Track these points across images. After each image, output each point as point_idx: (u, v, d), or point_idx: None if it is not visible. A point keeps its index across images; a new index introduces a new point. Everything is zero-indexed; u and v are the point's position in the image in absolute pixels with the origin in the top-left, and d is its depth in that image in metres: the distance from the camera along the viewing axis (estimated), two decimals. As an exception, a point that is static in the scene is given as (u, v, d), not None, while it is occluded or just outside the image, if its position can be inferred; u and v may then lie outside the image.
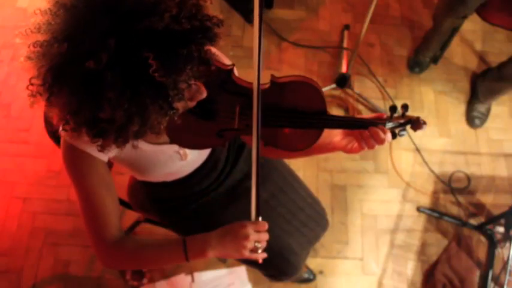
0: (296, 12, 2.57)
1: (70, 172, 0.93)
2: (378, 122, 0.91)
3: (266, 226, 0.93)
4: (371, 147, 0.91)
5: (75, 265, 1.91)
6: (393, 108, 0.91)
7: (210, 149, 1.19)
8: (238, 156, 1.31)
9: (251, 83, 0.82)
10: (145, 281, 1.85)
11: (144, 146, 0.96)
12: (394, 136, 0.93)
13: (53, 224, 1.98)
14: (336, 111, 2.29)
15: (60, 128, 0.89)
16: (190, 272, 1.88)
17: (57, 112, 0.69)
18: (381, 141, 0.90)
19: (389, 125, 0.92)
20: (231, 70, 0.85)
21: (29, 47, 0.66)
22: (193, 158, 1.11)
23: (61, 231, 1.97)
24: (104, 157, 0.91)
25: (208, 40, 0.68)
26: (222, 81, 0.85)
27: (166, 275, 1.86)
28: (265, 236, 0.94)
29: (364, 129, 0.91)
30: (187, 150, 1.05)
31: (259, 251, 0.94)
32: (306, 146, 0.94)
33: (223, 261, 1.92)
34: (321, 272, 1.93)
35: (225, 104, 0.86)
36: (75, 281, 1.89)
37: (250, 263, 1.39)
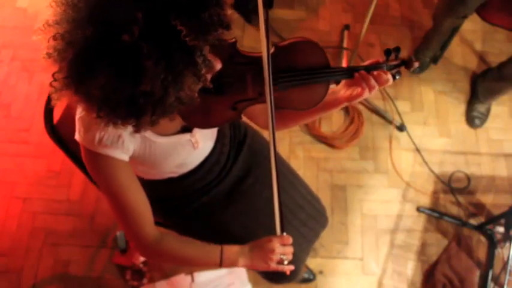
0: (296, 12, 2.57)
1: (96, 178, 0.93)
2: (377, 66, 0.98)
3: (291, 240, 1.03)
4: (372, 87, 0.96)
5: (75, 265, 1.91)
6: (388, 52, 0.98)
7: (214, 141, 1.20)
8: (238, 152, 1.31)
9: (258, 53, 0.88)
10: (145, 281, 1.85)
11: (157, 139, 0.97)
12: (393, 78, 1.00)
13: (53, 224, 1.98)
14: (336, 111, 2.29)
15: (76, 135, 0.89)
16: (190, 272, 1.88)
17: (86, 102, 0.69)
18: (384, 82, 0.95)
19: (387, 67, 0.99)
20: (235, 42, 0.89)
21: (48, 41, 0.66)
22: (202, 148, 1.13)
23: (61, 231, 1.97)
24: (125, 157, 0.91)
25: (220, 7, 0.70)
26: (230, 54, 0.88)
27: (166, 275, 1.86)
28: (290, 249, 1.03)
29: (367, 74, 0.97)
30: (198, 138, 1.07)
31: (285, 262, 1.04)
32: (317, 102, 0.99)
33: (223, 261, 1.92)
34: (321, 272, 1.94)
35: (236, 76, 0.90)
36: (75, 281, 1.89)
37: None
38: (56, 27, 0.66)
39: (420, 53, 2.37)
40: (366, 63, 0.99)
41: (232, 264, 1.02)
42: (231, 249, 1.03)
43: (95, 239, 1.94)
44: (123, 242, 1.88)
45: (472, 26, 2.50)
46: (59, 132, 1.15)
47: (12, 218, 1.99)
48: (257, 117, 1.20)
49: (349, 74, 0.98)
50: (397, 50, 0.98)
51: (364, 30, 1.93)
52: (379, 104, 2.31)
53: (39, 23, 0.69)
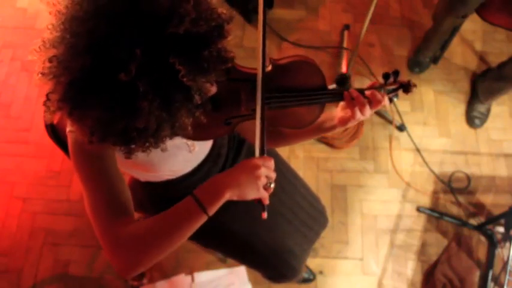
0: (296, 12, 2.57)
1: (80, 160, 0.85)
2: (374, 89, 0.96)
3: (272, 162, 0.87)
4: (362, 107, 0.93)
5: (75, 265, 1.91)
6: (386, 76, 0.95)
7: (212, 142, 1.19)
8: (239, 152, 1.31)
9: (254, 69, 0.86)
10: (145, 281, 1.85)
11: None
12: (390, 101, 0.98)
13: (53, 224, 1.98)
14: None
15: (69, 127, 0.86)
16: (190, 272, 1.88)
17: (79, 125, 0.68)
18: (377, 102, 0.93)
19: (384, 91, 0.97)
20: (233, 58, 0.87)
21: (43, 62, 0.65)
22: (198, 151, 1.12)
23: (61, 231, 1.97)
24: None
25: (222, 37, 0.68)
26: (226, 70, 0.86)
27: (166, 275, 1.86)
28: (273, 173, 0.87)
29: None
30: (195, 142, 1.05)
31: (272, 185, 0.87)
32: (309, 123, 0.97)
33: (223, 261, 1.92)
34: (321, 272, 1.94)
35: (231, 92, 0.88)
36: (75, 281, 1.89)
37: (251, 263, 1.39)
38: (53, 50, 0.65)
39: (420, 53, 2.37)
40: (363, 88, 0.96)
41: (219, 199, 0.81)
42: (205, 187, 0.83)
43: (95, 239, 1.91)
44: (123, 242, 1.88)
45: (472, 26, 2.50)
46: (59, 132, 1.15)
47: (12, 218, 1.99)
48: (246, 133, 1.19)
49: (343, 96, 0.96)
50: (396, 73, 0.96)
51: (364, 30, 1.93)
52: (379, 104, 2.31)
53: (39, 23, 0.68)
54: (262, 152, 0.87)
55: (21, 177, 2.07)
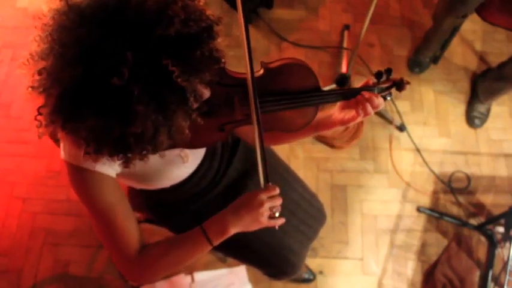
0: (296, 12, 2.57)
1: (81, 195, 0.88)
2: (368, 88, 0.96)
3: (277, 190, 0.94)
4: (367, 113, 0.94)
5: (75, 265, 1.91)
6: (379, 74, 0.96)
7: (205, 149, 1.17)
8: (233, 154, 1.29)
9: (245, 73, 0.85)
10: (145, 281, 1.85)
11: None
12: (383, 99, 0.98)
13: (53, 224, 1.98)
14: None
15: (62, 154, 0.86)
16: (190, 272, 1.88)
17: (74, 137, 0.68)
18: (376, 106, 0.94)
19: (378, 90, 0.97)
20: (224, 64, 0.87)
21: (33, 76, 0.64)
22: (192, 160, 1.11)
23: (61, 231, 1.97)
24: (113, 172, 0.88)
25: (212, 38, 0.68)
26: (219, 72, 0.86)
27: (166, 275, 1.86)
28: (279, 200, 0.94)
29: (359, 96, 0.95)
30: (188, 152, 1.05)
31: (277, 214, 0.95)
32: (305, 125, 0.97)
33: (223, 261, 1.92)
34: (321, 272, 1.94)
35: (224, 98, 0.88)
36: (75, 281, 1.89)
37: (251, 262, 1.39)
38: (42, 62, 0.64)
39: (420, 53, 2.37)
40: (357, 87, 0.97)
41: (224, 235, 0.92)
42: (212, 223, 0.94)
43: (95, 239, 1.94)
44: (123, 242, 1.88)
45: (472, 26, 2.50)
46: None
47: (12, 218, 1.99)
48: (245, 135, 1.18)
49: (341, 97, 0.96)
50: (389, 71, 0.97)
51: (364, 30, 1.93)
52: (379, 104, 2.31)
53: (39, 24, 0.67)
54: (266, 180, 0.93)
55: (21, 177, 2.07)
